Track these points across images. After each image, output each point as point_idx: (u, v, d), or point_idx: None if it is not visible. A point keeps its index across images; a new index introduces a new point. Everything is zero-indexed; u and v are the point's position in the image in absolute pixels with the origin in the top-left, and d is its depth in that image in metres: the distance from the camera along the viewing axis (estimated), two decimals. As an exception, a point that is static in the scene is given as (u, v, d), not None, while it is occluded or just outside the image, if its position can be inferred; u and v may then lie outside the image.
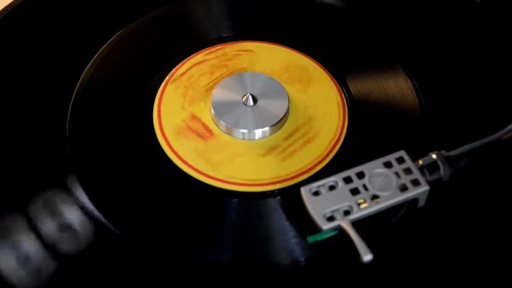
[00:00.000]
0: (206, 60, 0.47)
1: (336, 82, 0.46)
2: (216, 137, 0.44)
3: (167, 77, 0.46)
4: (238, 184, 0.41)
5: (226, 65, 0.47)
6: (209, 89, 0.46)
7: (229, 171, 0.42)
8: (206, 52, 0.48)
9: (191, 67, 0.47)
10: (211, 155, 0.43)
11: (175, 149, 0.43)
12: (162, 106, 0.45)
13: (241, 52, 0.48)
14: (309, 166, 0.42)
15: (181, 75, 0.46)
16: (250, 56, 0.48)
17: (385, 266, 0.38)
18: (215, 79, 0.46)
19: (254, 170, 0.42)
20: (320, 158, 0.42)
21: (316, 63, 0.47)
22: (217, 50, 0.48)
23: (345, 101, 0.45)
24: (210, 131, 0.44)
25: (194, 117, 0.45)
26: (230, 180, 0.41)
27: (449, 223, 0.40)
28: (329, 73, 0.47)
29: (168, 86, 0.46)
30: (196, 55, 0.48)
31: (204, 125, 0.44)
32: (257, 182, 0.41)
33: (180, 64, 0.47)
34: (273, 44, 0.48)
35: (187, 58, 0.48)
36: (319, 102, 0.45)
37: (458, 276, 0.38)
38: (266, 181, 0.41)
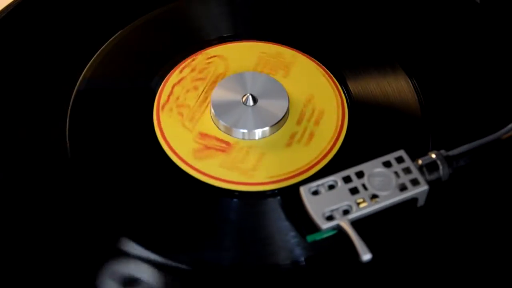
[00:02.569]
0: (183, 77, 0.46)
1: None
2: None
3: (156, 103, 0.45)
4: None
5: (205, 77, 0.47)
6: (201, 102, 0.45)
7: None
8: (180, 68, 0.47)
9: (172, 87, 0.46)
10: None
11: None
12: (165, 132, 0.44)
13: (211, 59, 0.48)
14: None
15: (167, 100, 0.45)
16: (222, 60, 0.47)
17: (384, 265, 0.38)
18: (202, 91, 0.46)
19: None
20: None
21: (299, 52, 0.48)
22: (188, 64, 0.47)
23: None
24: (227, 143, 0.43)
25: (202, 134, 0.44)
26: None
27: (448, 222, 0.40)
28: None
29: (161, 114, 0.45)
30: (172, 72, 0.47)
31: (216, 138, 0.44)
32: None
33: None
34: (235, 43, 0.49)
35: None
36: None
37: (458, 276, 0.38)
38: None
